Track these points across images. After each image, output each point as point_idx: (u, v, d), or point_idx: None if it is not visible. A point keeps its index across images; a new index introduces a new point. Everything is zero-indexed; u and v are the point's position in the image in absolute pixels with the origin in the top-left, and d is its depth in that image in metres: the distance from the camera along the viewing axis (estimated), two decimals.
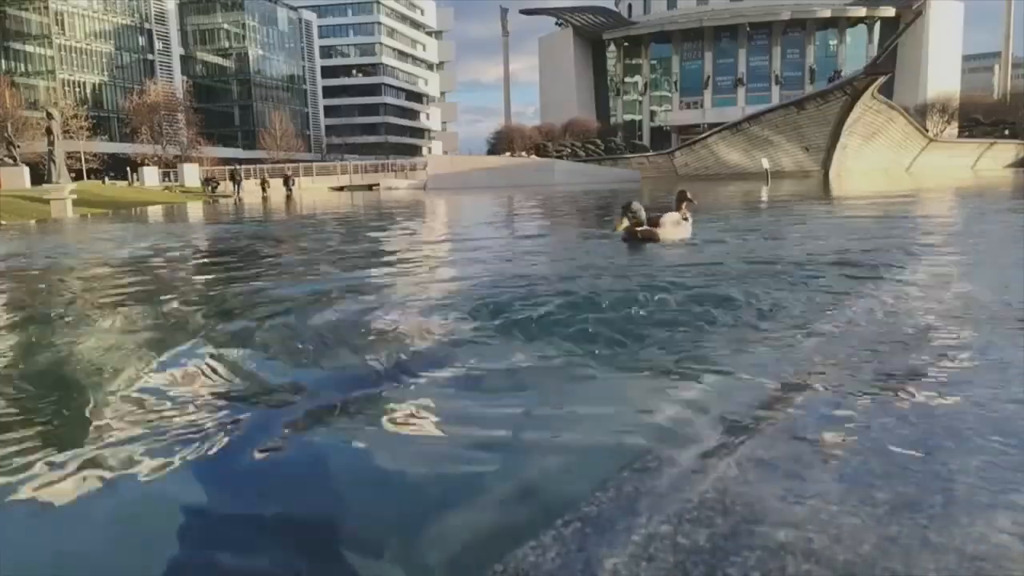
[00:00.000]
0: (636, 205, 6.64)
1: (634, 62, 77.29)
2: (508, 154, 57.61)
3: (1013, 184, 24.43)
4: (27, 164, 31.02)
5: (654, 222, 6.66)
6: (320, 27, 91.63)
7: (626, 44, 77.07)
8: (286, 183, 41.01)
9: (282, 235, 11.97)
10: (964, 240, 7.44)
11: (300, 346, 3.39)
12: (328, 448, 2.13)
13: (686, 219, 9.34)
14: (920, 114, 57.86)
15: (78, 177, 39.35)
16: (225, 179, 39.04)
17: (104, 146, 56.57)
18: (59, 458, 2.07)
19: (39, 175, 30.44)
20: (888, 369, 2.59)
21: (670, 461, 1.83)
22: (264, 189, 38.09)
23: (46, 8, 60.13)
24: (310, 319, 3.95)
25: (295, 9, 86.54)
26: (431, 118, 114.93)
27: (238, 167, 43.59)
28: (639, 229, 6.54)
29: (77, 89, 61.79)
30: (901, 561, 1.33)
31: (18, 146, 33.61)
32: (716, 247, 6.56)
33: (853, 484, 1.65)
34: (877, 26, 69.17)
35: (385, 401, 2.48)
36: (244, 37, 78.67)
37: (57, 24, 60.90)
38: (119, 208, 25.91)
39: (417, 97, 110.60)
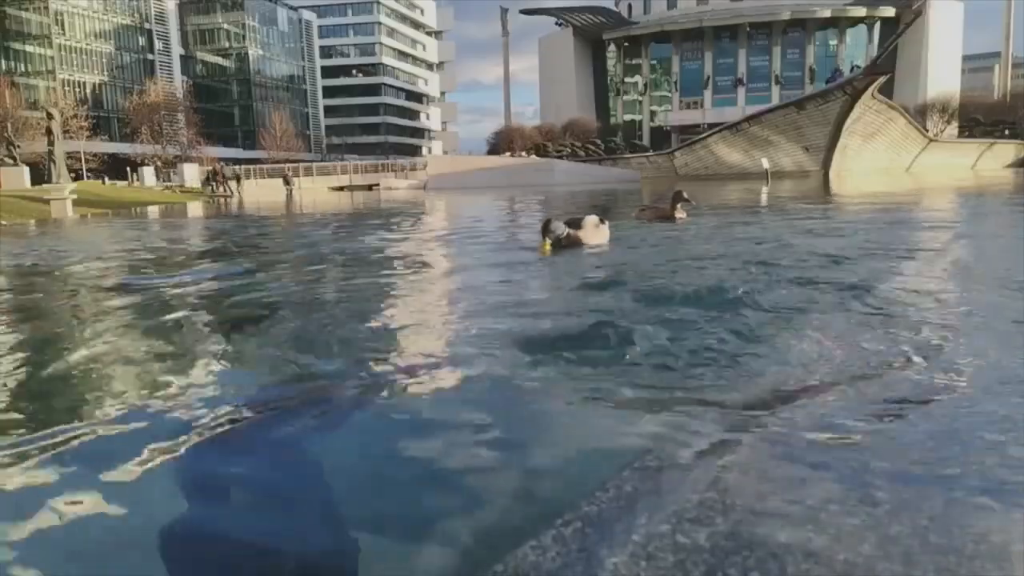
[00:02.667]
0: (554, 224, 6.51)
1: (634, 62, 77.20)
2: (508, 154, 57.54)
3: (1013, 184, 24.43)
4: (27, 164, 31.02)
5: (575, 224, 6.61)
6: (320, 27, 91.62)
7: (626, 44, 77.00)
8: (286, 183, 41.25)
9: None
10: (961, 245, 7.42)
11: (295, 345, 3.39)
12: (327, 447, 2.13)
13: (676, 217, 9.31)
14: (920, 114, 57.79)
15: (78, 177, 39.36)
16: (222, 178, 39.30)
17: (104, 146, 56.55)
18: (53, 454, 2.07)
19: (39, 175, 30.45)
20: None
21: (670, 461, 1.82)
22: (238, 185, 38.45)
23: (46, 8, 60.13)
24: (304, 319, 3.95)
25: (295, 9, 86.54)
26: (431, 118, 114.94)
27: (220, 164, 43.80)
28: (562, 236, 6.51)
29: (77, 89, 61.77)
30: (901, 561, 1.33)
31: (18, 146, 33.61)
32: (628, 254, 6.39)
33: (851, 486, 1.65)
34: (877, 26, 69.11)
35: (383, 400, 2.48)
36: (244, 37, 78.68)
37: (57, 24, 60.91)
38: (119, 208, 25.92)
39: (417, 97, 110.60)
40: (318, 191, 46.55)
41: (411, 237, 10.46)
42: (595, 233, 6.69)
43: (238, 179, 39.29)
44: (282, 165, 55.03)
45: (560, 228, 6.50)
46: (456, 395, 2.52)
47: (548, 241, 6.37)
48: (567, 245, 6.44)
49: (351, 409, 2.44)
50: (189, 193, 39.81)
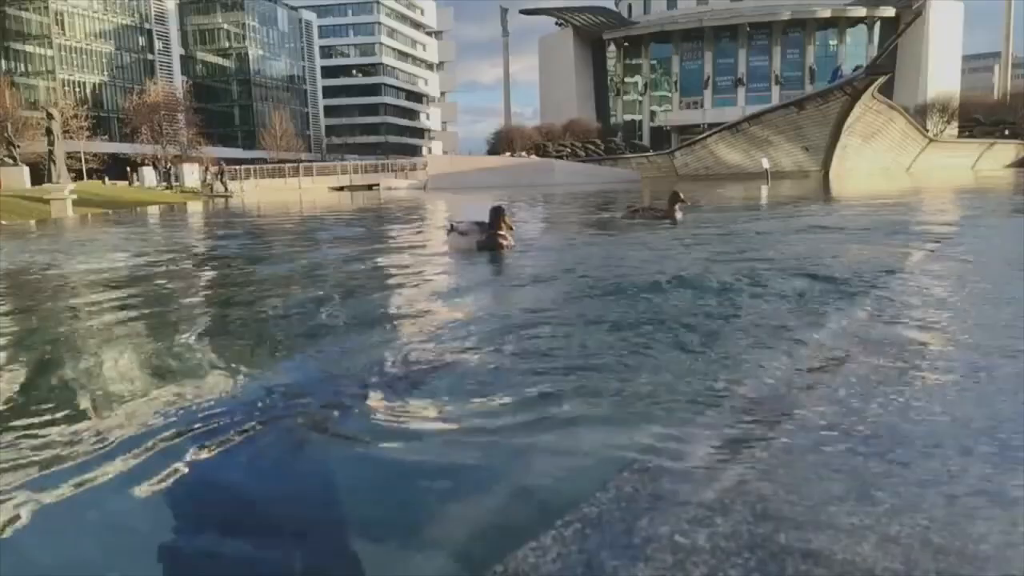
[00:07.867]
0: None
1: (634, 62, 77.14)
2: (508, 154, 57.50)
3: (1013, 184, 24.41)
4: (27, 164, 30.97)
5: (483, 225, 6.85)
6: (320, 27, 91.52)
7: (626, 44, 76.92)
8: (221, 180, 39.00)
9: None
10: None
11: (295, 346, 3.39)
12: (329, 449, 2.12)
13: (674, 217, 9.40)
14: (920, 114, 57.72)
15: (78, 177, 39.32)
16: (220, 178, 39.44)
17: (104, 146, 56.45)
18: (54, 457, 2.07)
19: (39, 175, 30.41)
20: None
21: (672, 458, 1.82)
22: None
23: (46, 8, 60.04)
24: (302, 319, 3.94)
25: (295, 9, 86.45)
26: (431, 118, 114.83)
27: (222, 165, 44.27)
28: (499, 233, 6.68)
29: (77, 89, 61.66)
30: (902, 561, 1.33)
31: (18, 146, 33.55)
32: (536, 258, 6.56)
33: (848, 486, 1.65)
34: (877, 26, 69.03)
35: (384, 402, 2.48)
36: (244, 37, 78.57)
37: (57, 24, 60.81)
38: (119, 208, 25.90)
39: (417, 97, 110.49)
40: (318, 191, 46.56)
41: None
42: (512, 234, 6.97)
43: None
44: (282, 165, 54.98)
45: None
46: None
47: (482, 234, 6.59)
48: (501, 246, 6.63)
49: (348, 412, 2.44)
50: (189, 193, 39.80)
